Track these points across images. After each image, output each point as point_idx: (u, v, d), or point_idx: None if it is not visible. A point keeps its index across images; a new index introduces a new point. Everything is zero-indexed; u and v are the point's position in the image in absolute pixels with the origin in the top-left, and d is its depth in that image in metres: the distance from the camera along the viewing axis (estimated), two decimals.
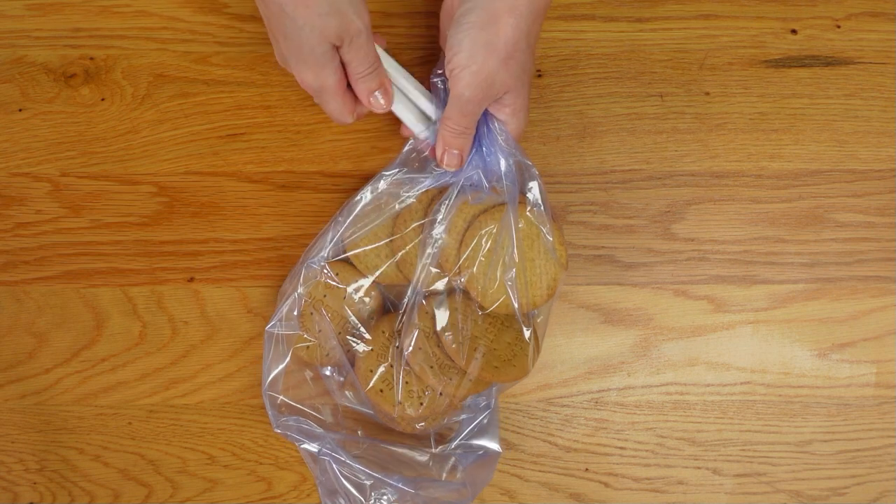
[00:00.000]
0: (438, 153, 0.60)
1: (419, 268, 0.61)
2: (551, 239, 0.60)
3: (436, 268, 0.61)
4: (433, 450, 0.63)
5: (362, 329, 0.62)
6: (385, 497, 0.61)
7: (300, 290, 0.62)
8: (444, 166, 0.60)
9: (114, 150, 0.66)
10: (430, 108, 0.61)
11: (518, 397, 0.67)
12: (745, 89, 0.67)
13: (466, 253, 0.60)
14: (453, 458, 0.63)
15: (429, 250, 0.61)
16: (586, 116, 0.67)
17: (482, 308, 0.61)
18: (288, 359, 0.62)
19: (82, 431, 0.67)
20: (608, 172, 0.67)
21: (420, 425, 0.62)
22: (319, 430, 0.62)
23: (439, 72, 0.59)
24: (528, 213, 0.60)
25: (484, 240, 0.60)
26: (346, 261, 0.63)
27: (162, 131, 0.66)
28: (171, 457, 0.67)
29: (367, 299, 0.63)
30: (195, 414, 0.67)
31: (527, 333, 0.61)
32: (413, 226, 0.62)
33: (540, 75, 0.67)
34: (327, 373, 0.63)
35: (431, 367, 0.60)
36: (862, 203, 0.67)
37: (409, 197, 0.62)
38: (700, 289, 0.67)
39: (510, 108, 0.59)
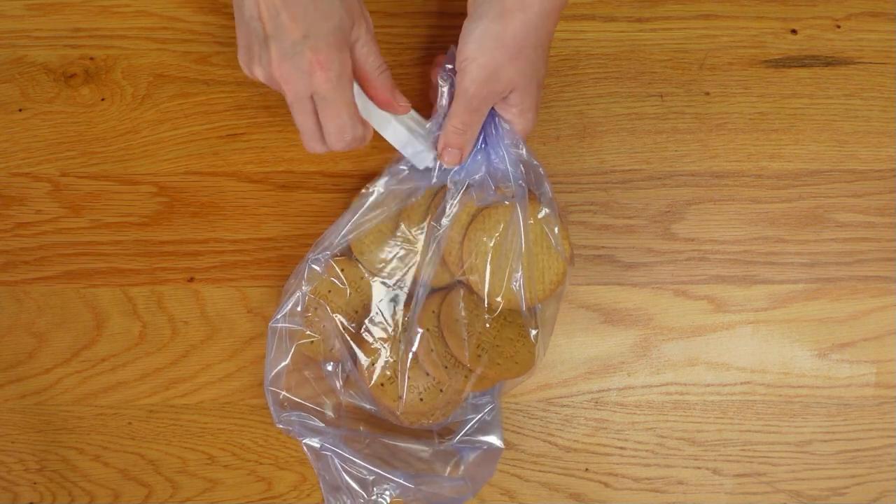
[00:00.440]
0: (439, 148, 0.60)
1: (423, 264, 0.61)
2: (557, 234, 0.61)
3: (440, 264, 0.61)
4: (435, 445, 0.63)
5: (367, 324, 0.62)
6: (387, 492, 0.61)
7: (304, 287, 0.62)
8: (445, 163, 0.60)
9: (114, 150, 0.66)
10: (417, 125, 0.60)
11: (518, 397, 0.67)
12: (745, 89, 0.67)
13: (471, 248, 0.60)
14: (456, 455, 0.63)
15: (432, 246, 0.61)
16: (586, 116, 0.67)
17: (486, 304, 0.61)
18: (291, 355, 0.62)
19: (82, 431, 0.67)
20: (608, 172, 0.67)
21: (421, 424, 0.63)
22: (321, 426, 0.62)
23: (448, 67, 0.59)
24: (536, 212, 0.60)
25: (488, 236, 0.60)
26: (351, 257, 0.63)
27: (162, 131, 0.66)
28: (171, 457, 0.67)
29: (370, 295, 0.63)
30: (195, 414, 0.67)
31: (532, 333, 0.61)
32: (416, 221, 0.62)
33: None
34: (329, 368, 0.64)
35: (437, 362, 0.60)
36: (862, 203, 0.67)
37: (417, 190, 0.62)
38: (700, 289, 0.67)
39: (517, 108, 0.58)
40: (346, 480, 0.61)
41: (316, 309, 0.62)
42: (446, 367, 0.60)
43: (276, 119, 0.66)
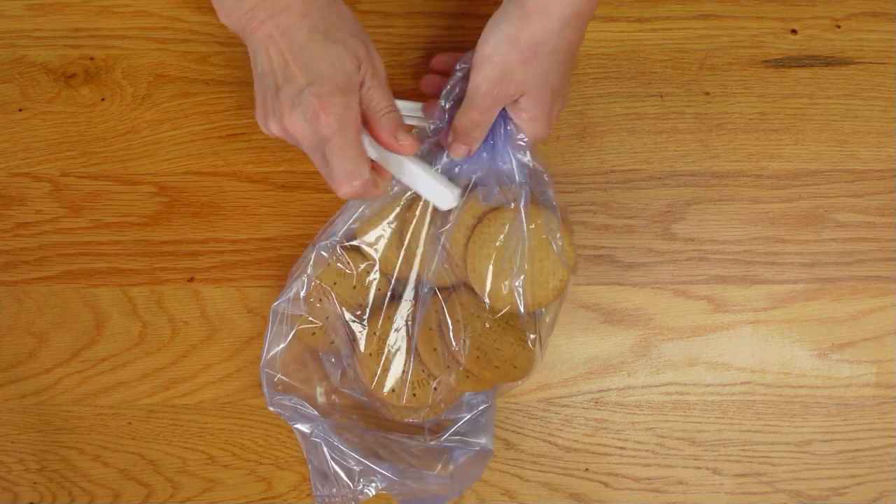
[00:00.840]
0: (448, 140, 0.59)
1: (427, 261, 0.61)
2: (561, 242, 0.60)
3: (444, 263, 0.61)
4: (426, 441, 0.63)
5: (367, 319, 0.62)
6: (373, 484, 0.61)
7: (309, 271, 0.62)
8: (451, 154, 0.59)
9: (114, 150, 0.66)
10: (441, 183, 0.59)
11: (518, 397, 0.67)
12: (745, 89, 0.67)
13: (474, 251, 0.60)
14: (446, 454, 0.63)
15: (438, 246, 0.61)
16: (586, 116, 0.67)
17: (488, 306, 0.61)
18: (290, 338, 0.62)
19: (82, 431, 0.67)
20: (608, 172, 0.67)
21: (410, 420, 0.63)
22: (313, 413, 0.62)
23: (465, 65, 0.58)
24: (539, 216, 0.60)
25: (492, 239, 0.60)
26: (357, 248, 0.63)
27: (162, 131, 0.66)
28: (171, 457, 0.67)
29: (374, 288, 0.63)
30: (195, 414, 0.67)
31: (530, 338, 0.61)
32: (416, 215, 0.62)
33: None
34: (332, 360, 0.64)
35: (439, 361, 0.60)
36: (862, 203, 0.67)
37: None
38: (700, 289, 0.67)
39: (527, 115, 0.57)
40: (333, 468, 0.61)
41: (322, 299, 0.62)
42: (448, 367, 0.60)
43: None
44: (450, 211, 0.60)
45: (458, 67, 0.59)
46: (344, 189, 0.54)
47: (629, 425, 0.67)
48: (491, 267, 0.60)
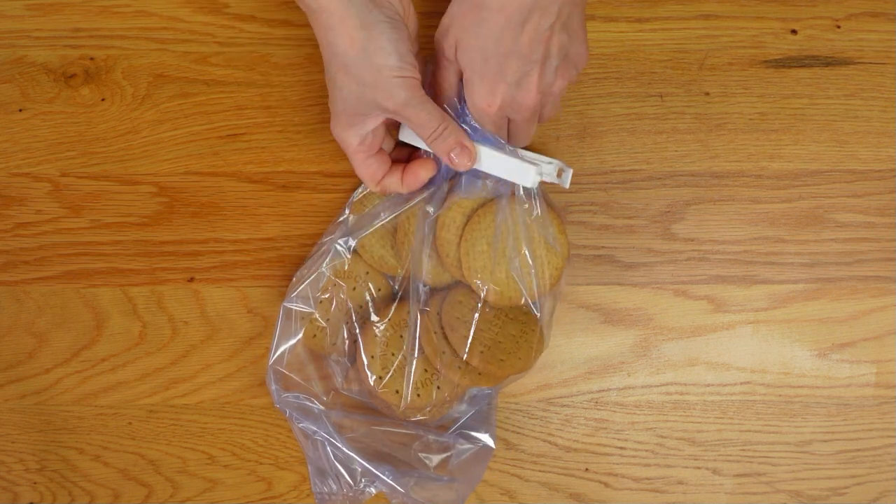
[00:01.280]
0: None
1: (423, 263, 0.61)
2: (552, 229, 0.61)
3: (437, 263, 0.62)
4: (429, 434, 0.63)
5: (368, 319, 0.63)
6: (374, 484, 0.61)
7: (324, 267, 0.62)
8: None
9: (114, 150, 0.66)
10: (523, 162, 0.59)
11: (518, 397, 0.67)
12: (745, 89, 0.67)
13: (467, 249, 0.61)
14: (448, 450, 0.63)
15: (425, 245, 0.61)
16: (586, 116, 0.67)
17: (486, 301, 0.61)
18: (300, 336, 0.62)
19: (82, 431, 0.67)
20: (608, 172, 0.67)
21: (417, 417, 0.63)
22: (317, 409, 0.62)
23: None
24: (524, 204, 0.60)
25: (484, 235, 0.60)
26: (357, 251, 0.63)
27: (162, 131, 0.66)
28: (171, 457, 0.67)
29: (374, 290, 0.63)
30: (195, 414, 0.67)
31: (536, 319, 0.61)
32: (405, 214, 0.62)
33: None
34: (335, 361, 0.64)
35: (451, 363, 0.60)
36: (862, 203, 0.67)
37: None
38: (700, 289, 0.67)
39: (465, 74, 0.56)
40: (335, 466, 0.61)
41: (329, 293, 0.62)
42: (459, 368, 0.60)
43: (276, 119, 0.66)
44: (442, 212, 0.61)
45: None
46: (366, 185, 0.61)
47: (629, 425, 0.67)
48: (486, 262, 0.60)
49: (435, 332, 0.61)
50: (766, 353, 0.67)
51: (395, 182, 0.60)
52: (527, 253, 0.60)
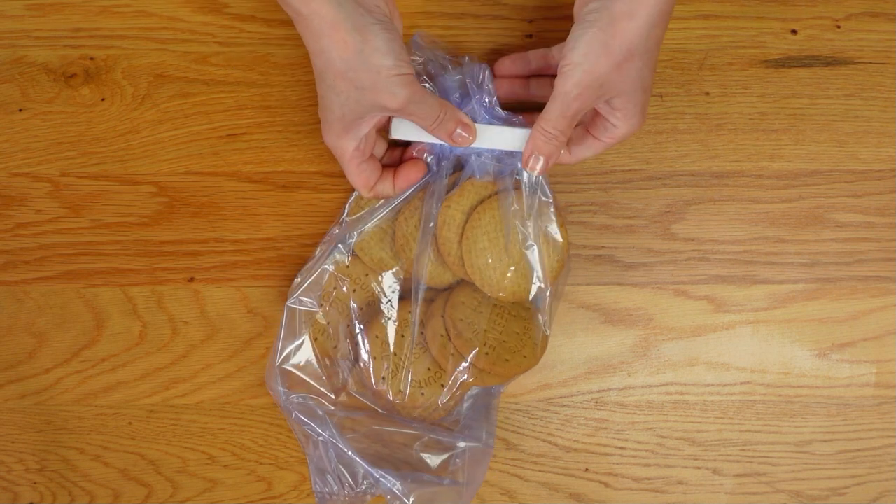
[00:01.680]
0: (525, 154, 0.58)
1: (424, 263, 0.61)
2: (553, 222, 0.61)
3: (439, 262, 0.62)
4: (430, 438, 0.63)
5: (371, 319, 0.63)
6: (376, 487, 0.61)
7: (326, 264, 0.62)
8: (528, 170, 0.59)
9: (114, 150, 0.66)
10: (516, 132, 0.60)
11: (518, 397, 0.67)
12: (745, 89, 0.67)
13: (469, 246, 0.61)
14: (450, 450, 0.63)
15: (432, 246, 0.61)
16: None
17: (490, 300, 0.61)
18: (305, 336, 0.63)
19: (82, 431, 0.67)
20: (608, 172, 0.67)
21: (421, 415, 0.63)
22: (322, 411, 0.62)
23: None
24: (524, 197, 0.60)
25: (484, 232, 0.60)
26: (354, 254, 0.64)
27: (162, 131, 0.66)
28: (171, 457, 0.67)
29: (376, 291, 0.63)
30: (195, 414, 0.67)
31: (540, 319, 0.61)
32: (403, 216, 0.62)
33: None
34: (339, 362, 0.64)
35: (456, 363, 0.60)
36: (862, 203, 0.67)
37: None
38: (700, 289, 0.67)
39: (621, 113, 0.57)
40: (338, 468, 0.61)
41: (334, 290, 0.62)
42: (466, 368, 0.60)
43: (276, 119, 0.66)
44: (434, 214, 0.61)
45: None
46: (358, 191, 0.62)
47: (629, 425, 0.67)
48: (489, 259, 0.60)
49: (442, 335, 0.61)
50: (766, 353, 0.67)
51: (388, 186, 0.61)
52: (528, 246, 0.60)
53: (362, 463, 0.61)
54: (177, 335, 0.67)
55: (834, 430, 0.67)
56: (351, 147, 0.58)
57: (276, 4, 0.66)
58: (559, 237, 0.61)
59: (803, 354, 0.67)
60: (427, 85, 0.61)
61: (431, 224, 0.61)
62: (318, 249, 0.65)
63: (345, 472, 0.61)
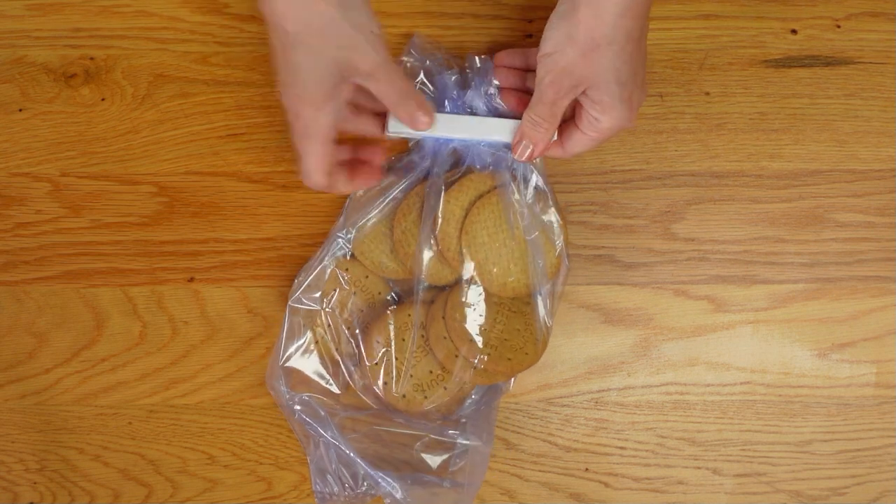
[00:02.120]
0: (514, 142, 0.60)
1: (422, 262, 0.61)
2: (552, 217, 0.61)
3: (439, 259, 0.62)
4: (430, 438, 0.63)
5: (372, 321, 0.63)
6: (376, 489, 0.61)
7: (327, 261, 0.62)
8: (516, 158, 0.60)
9: (114, 150, 0.66)
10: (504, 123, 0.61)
11: (518, 397, 0.67)
12: (745, 89, 0.67)
13: (468, 241, 0.61)
14: (448, 453, 0.63)
15: (431, 245, 0.61)
16: None
17: (491, 296, 0.61)
18: (308, 335, 0.63)
19: (82, 431, 0.67)
20: (608, 172, 0.67)
21: (423, 414, 0.63)
22: (323, 412, 0.62)
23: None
24: (522, 191, 0.61)
25: (484, 226, 0.60)
26: (353, 257, 0.64)
27: (162, 131, 0.66)
28: (171, 457, 0.67)
29: (374, 294, 0.63)
30: (195, 414, 0.67)
31: (541, 314, 0.61)
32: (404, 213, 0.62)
33: None
34: (340, 364, 0.64)
35: (462, 364, 0.60)
36: (862, 203, 0.67)
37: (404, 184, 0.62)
38: (700, 289, 0.67)
39: (599, 105, 0.57)
40: (339, 468, 0.61)
41: (334, 290, 0.62)
42: (469, 369, 0.60)
43: (276, 119, 0.66)
44: (438, 209, 0.61)
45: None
46: (305, 182, 0.58)
47: (629, 425, 0.67)
48: (488, 253, 0.60)
49: (444, 337, 0.61)
50: (766, 353, 0.67)
51: (342, 180, 0.59)
52: (528, 240, 0.60)
53: (363, 464, 0.61)
54: (177, 335, 0.67)
55: (834, 430, 0.67)
56: (329, 122, 0.56)
57: None
58: (558, 230, 0.61)
59: (803, 354, 0.67)
60: (426, 85, 0.61)
61: (431, 220, 0.61)
62: (320, 250, 0.65)
63: (345, 472, 0.61)
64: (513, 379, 0.65)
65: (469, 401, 0.64)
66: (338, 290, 0.63)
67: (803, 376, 0.67)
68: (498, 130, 0.61)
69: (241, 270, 0.67)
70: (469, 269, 0.61)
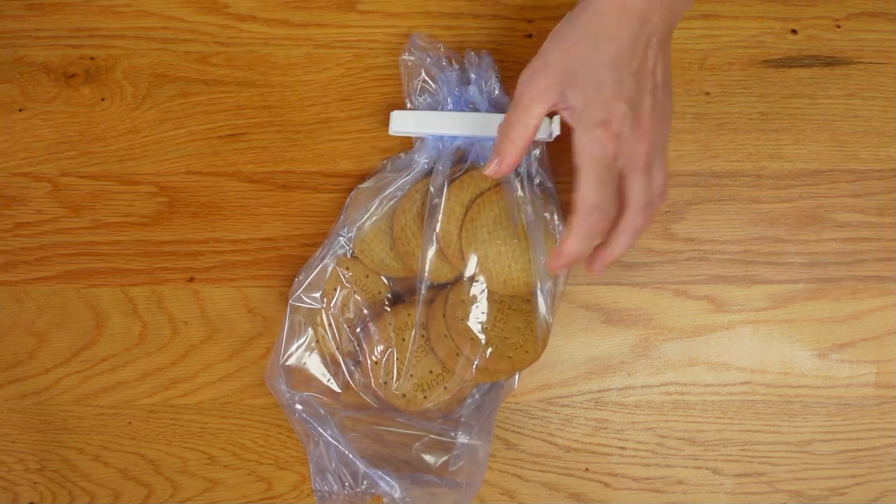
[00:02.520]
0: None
1: (423, 260, 0.61)
2: (554, 216, 0.61)
3: (439, 257, 0.62)
4: (430, 438, 0.63)
5: (373, 321, 0.63)
6: (375, 488, 0.61)
7: (328, 259, 0.62)
8: (483, 170, 0.57)
9: (114, 150, 0.66)
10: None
11: (518, 397, 0.67)
12: (745, 89, 0.67)
13: (469, 239, 0.61)
14: (448, 453, 0.63)
15: (431, 243, 0.61)
16: None
17: (491, 293, 0.61)
18: (309, 334, 0.63)
19: (82, 431, 0.67)
20: None
21: (423, 413, 0.63)
22: (323, 411, 0.62)
23: None
24: (523, 187, 0.61)
25: (484, 224, 0.60)
26: (354, 256, 0.64)
27: (162, 131, 0.66)
28: (171, 457, 0.67)
29: (374, 293, 0.63)
30: (195, 414, 0.67)
31: (541, 311, 0.61)
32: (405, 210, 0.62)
33: None
34: (340, 364, 0.64)
35: (464, 364, 0.60)
36: (862, 203, 0.67)
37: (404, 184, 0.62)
38: (700, 289, 0.67)
39: (570, 111, 0.52)
40: (339, 467, 0.61)
41: (335, 289, 0.62)
42: (470, 368, 0.60)
43: (276, 119, 0.66)
44: (438, 207, 0.61)
45: None
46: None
47: (629, 425, 0.67)
48: (489, 251, 0.60)
49: (446, 336, 0.61)
50: (766, 353, 0.67)
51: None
52: (529, 236, 0.60)
53: (362, 464, 0.61)
54: (177, 335, 0.67)
55: (834, 429, 0.67)
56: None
57: (277, 4, 0.66)
58: (559, 226, 0.61)
59: (803, 354, 0.67)
60: (427, 83, 0.61)
61: (433, 218, 0.61)
62: (320, 248, 0.65)
63: (345, 471, 0.61)
64: (517, 378, 0.65)
65: (469, 400, 0.64)
66: (339, 289, 0.63)
67: (803, 376, 0.67)
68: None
69: (241, 270, 0.67)
70: (470, 267, 0.61)
